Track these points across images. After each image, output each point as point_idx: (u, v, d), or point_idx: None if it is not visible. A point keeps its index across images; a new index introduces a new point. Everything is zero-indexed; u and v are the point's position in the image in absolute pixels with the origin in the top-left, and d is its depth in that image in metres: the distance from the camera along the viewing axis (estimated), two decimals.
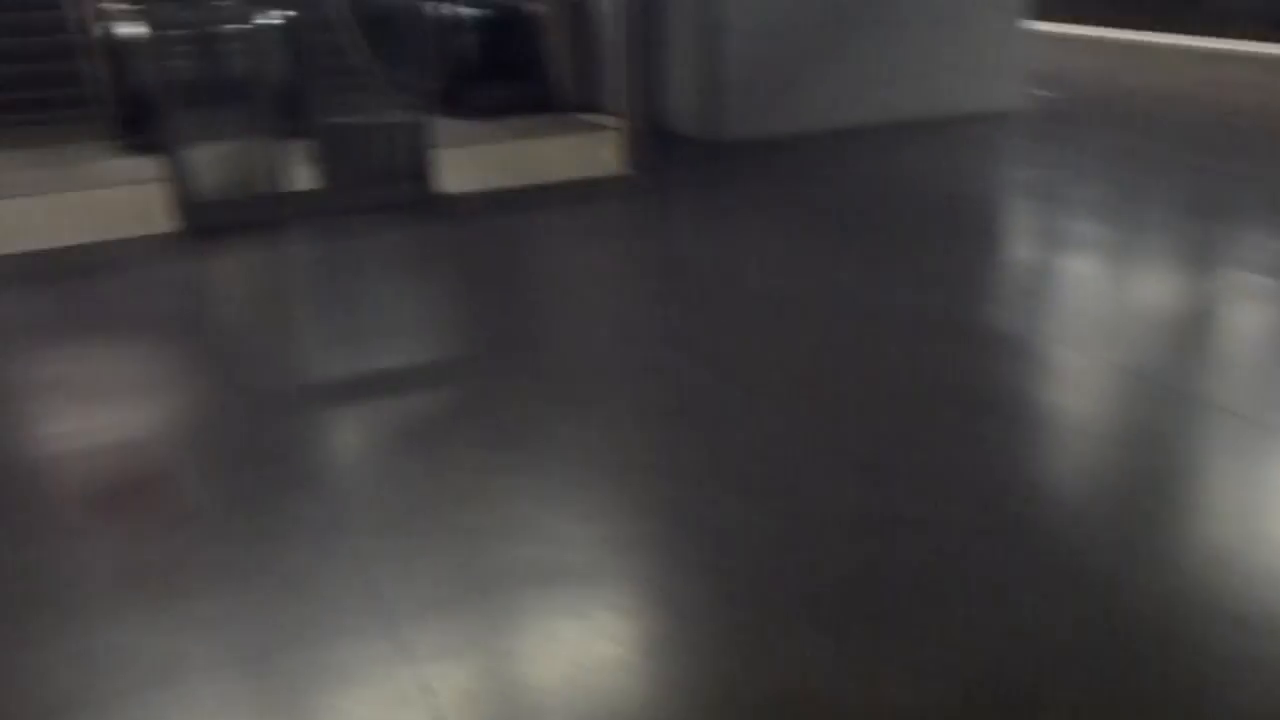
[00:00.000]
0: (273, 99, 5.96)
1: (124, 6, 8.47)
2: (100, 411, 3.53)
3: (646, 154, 6.67)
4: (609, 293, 4.71)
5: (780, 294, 4.56)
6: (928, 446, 3.20)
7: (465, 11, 8.62)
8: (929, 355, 3.89)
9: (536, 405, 3.46)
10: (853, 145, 7.49)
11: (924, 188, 6.46)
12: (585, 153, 7.30)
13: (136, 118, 7.69)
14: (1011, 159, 7.59)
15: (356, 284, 4.90)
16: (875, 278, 4.75)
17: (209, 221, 5.58)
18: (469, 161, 7.05)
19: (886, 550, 2.65)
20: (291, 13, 7.72)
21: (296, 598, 2.47)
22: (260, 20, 7.47)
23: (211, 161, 5.76)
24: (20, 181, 6.80)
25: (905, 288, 4.61)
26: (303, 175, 5.98)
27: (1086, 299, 4.62)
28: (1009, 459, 3.19)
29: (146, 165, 6.42)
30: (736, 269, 4.99)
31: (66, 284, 4.88)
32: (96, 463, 3.19)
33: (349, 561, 2.60)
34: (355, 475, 3.08)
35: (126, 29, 7.77)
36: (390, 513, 2.83)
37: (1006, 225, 5.98)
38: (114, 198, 6.24)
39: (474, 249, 5.42)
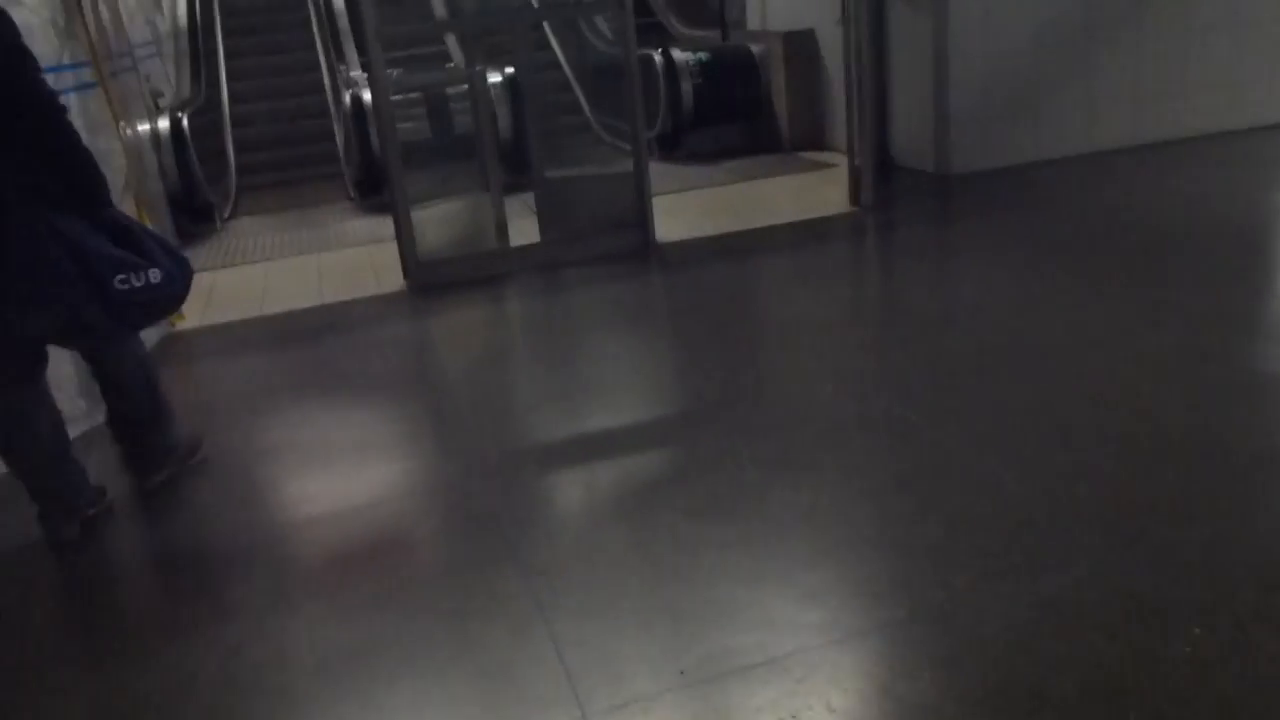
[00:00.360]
0: (496, 155, 6.04)
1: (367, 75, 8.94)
2: (314, 478, 3.57)
3: (872, 191, 6.33)
4: (831, 341, 4.41)
5: (1019, 339, 4.14)
6: (1201, 517, 2.74)
7: (681, 55, 8.57)
8: (1199, 408, 3.38)
9: (751, 470, 3.22)
10: (1103, 171, 6.86)
11: (1194, 216, 5.79)
12: (809, 192, 7.04)
13: (375, 179, 8.08)
14: None
15: (572, 339, 4.83)
16: (1131, 319, 4.24)
17: (433, 279, 5.69)
18: (688, 207, 6.94)
19: (1150, 643, 2.24)
20: (512, 69, 7.93)
21: (490, 687, 2.33)
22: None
23: (435, 220, 5.89)
24: (269, 245, 7.24)
25: (1166, 330, 4.07)
26: (524, 229, 6.03)
27: None
28: None
29: (381, 225, 6.69)
30: (970, 312, 4.59)
31: (297, 346, 5.05)
32: (305, 532, 3.19)
33: (546, 646, 2.43)
34: (560, 548, 2.93)
35: (366, 95, 8.17)
36: (592, 591, 2.66)
37: None
38: (349, 258, 6.51)
39: (692, 298, 5.25)
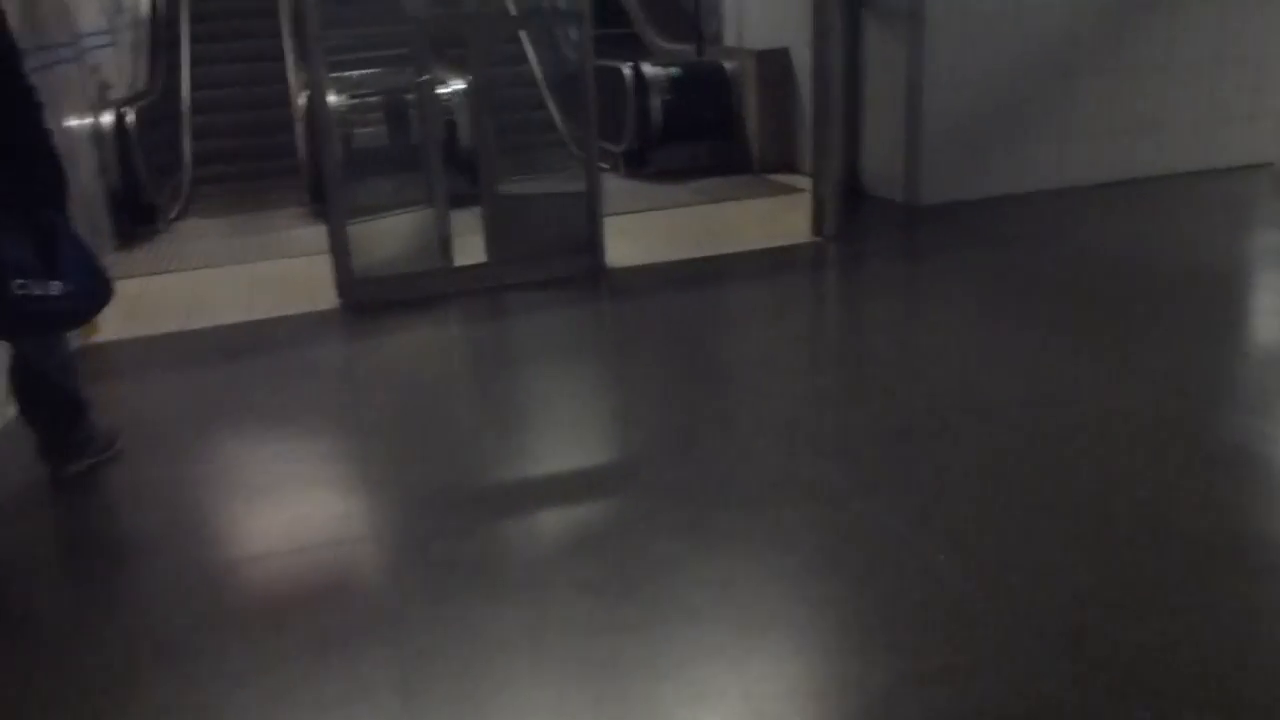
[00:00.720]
0: (442, 167, 5.76)
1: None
2: (198, 526, 3.27)
3: (838, 221, 6.07)
4: (780, 388, 4.13)
5: (976, 395, 3.88)
6: (1148, 615, 2.49)
7: (651, 69, 8.31)
8: (1165, 484, 3.13)
9: (666, 539, 2.94)
10: (1076, 208, 6.64)
11: (1166, 259, 5.55)
12: (773, 218, 6.79)
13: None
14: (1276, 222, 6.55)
15: (502, 374, 4.54)
16: (1095, 376, 3.99)
17: (369, 298, 5.40)
18: (648, 229, 6.68)
19: None
20: (473, 78, 7.66)
21: None
22: (443, 87, 7.41)
23: (375, 234, 5.60)
24: (209, 251, 6.94)
25: (1138, 391, 3.82)
26: (470, 246, 5.75)
27: None
28: (1266, 636, 2.42)
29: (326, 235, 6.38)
30: (931, 362, 4.32)
31: (213, 368, 4.76)
32: (173, 592, 2.88)
33: None
34: (442, 625, 2.63)
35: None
36: (468, 681, 2.38)
37: (1270, 309, 5.01)
38: (288, 270, 6.21)
39: (640, 331, 4.96)
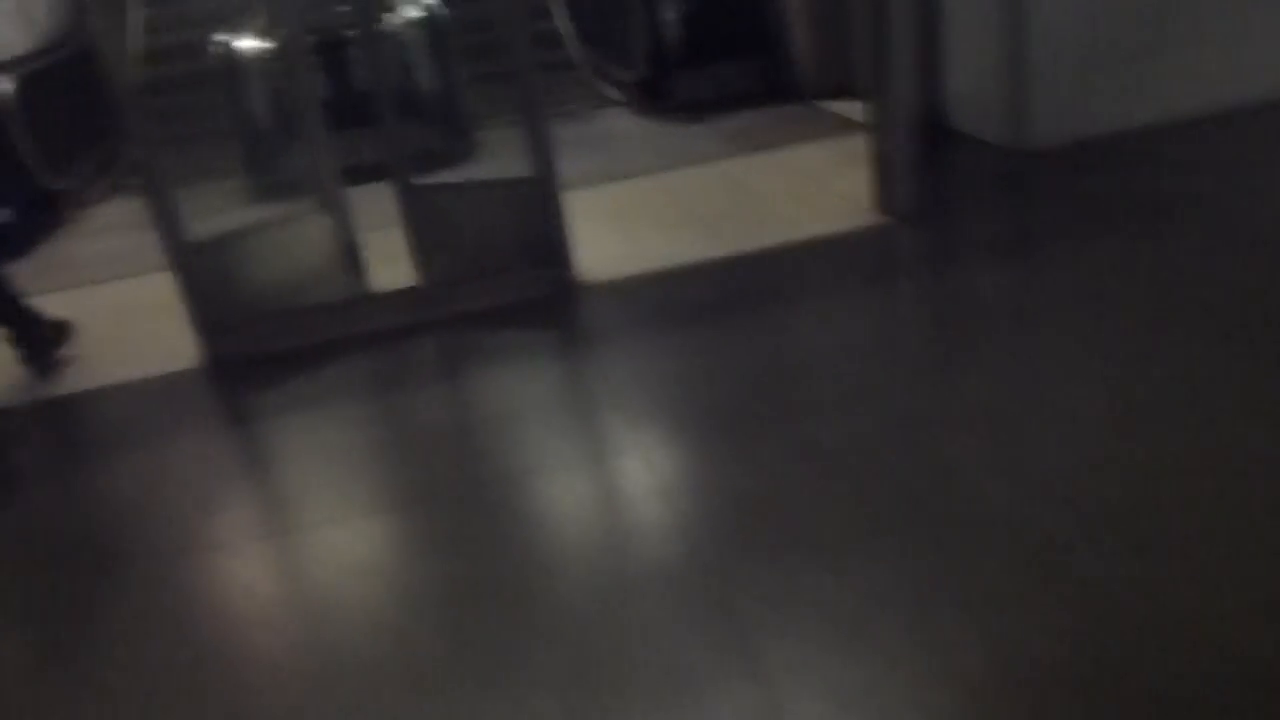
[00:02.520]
0: (331, 153, 4.08)
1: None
2: None
3: (913, 188, 4.24)
4: (854, 585, 2.29)
5: (1138, 506, 2.12)
6: None
7: None
8: None
9: None
10: (1263, 136, 4.66)
11: None
12: (827, 179, 4.98)
13: (261, 156, 6.22)
14: None
15: (433, 501, 2.86)
16: None
17: (243, 349, 3.82)
18: (649, 206, 4.95)
19: None
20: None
21: None
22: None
23: (252, 251, 3.98)
24: (103, 257, 5.47)
25: None
26: (392, 258, 4.12)
27: None
28: None
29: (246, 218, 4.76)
30: (1051, 461, 2.50)
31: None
32: None
33: None
34: None
35: (241, 43, 6.23)
36: None
37: None
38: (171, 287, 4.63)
39: (623, 423, 3.12)
